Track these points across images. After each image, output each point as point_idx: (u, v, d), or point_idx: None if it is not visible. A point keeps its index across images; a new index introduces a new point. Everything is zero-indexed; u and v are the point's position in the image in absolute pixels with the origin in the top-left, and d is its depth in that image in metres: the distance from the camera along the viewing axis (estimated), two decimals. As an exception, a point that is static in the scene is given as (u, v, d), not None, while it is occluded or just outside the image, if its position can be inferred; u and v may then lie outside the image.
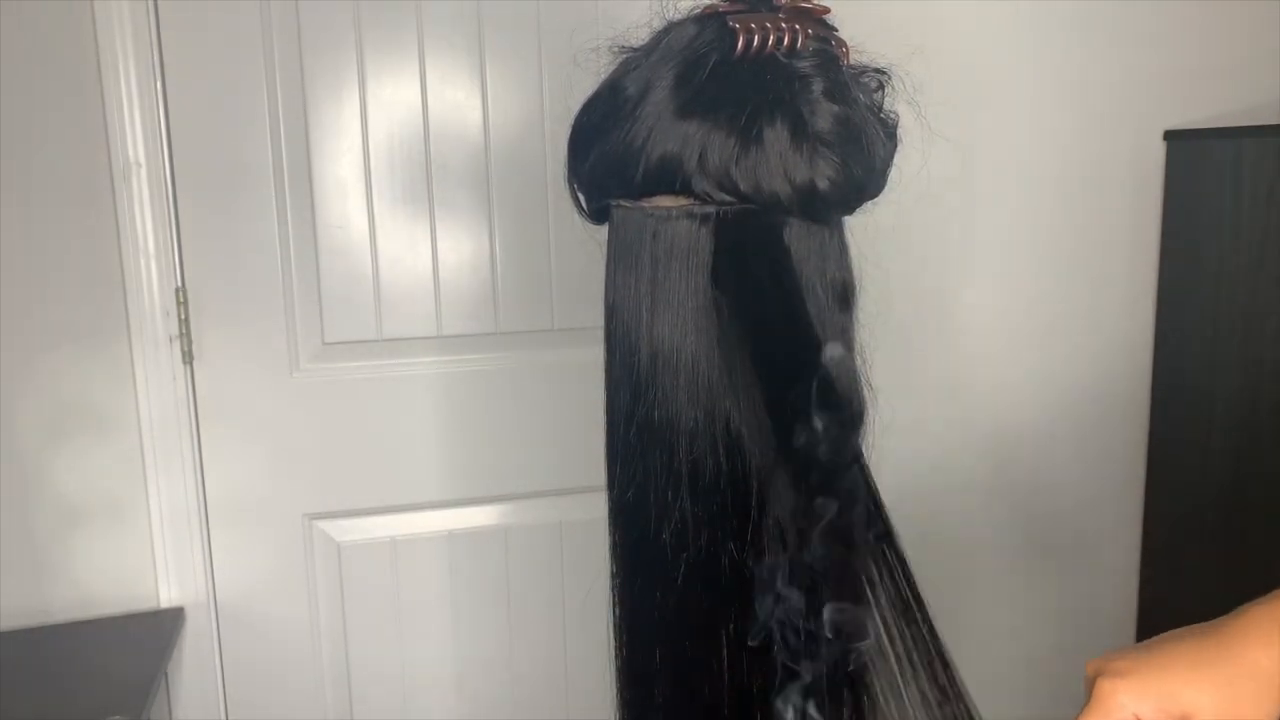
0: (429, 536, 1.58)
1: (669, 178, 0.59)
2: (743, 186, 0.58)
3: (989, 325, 1.74)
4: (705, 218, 0.60)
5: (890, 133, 0.63)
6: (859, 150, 0.60)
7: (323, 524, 1.53)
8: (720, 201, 0.59)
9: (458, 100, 1.49)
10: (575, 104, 0.66)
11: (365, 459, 1.53)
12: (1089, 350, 1.79)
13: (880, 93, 0.64)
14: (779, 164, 0.58)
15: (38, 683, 1.29)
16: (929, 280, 1.69)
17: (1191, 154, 1.71)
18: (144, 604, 1.45)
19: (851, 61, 0.63)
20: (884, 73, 0.65)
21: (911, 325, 1.67)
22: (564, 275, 1.55)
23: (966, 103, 1.64)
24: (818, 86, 0.59)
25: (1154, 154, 1.74)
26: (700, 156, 0.58)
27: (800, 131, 0.58)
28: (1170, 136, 1.74)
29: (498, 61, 1.49)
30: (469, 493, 1.57)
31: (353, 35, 1.44)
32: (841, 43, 0.62)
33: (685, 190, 0.59)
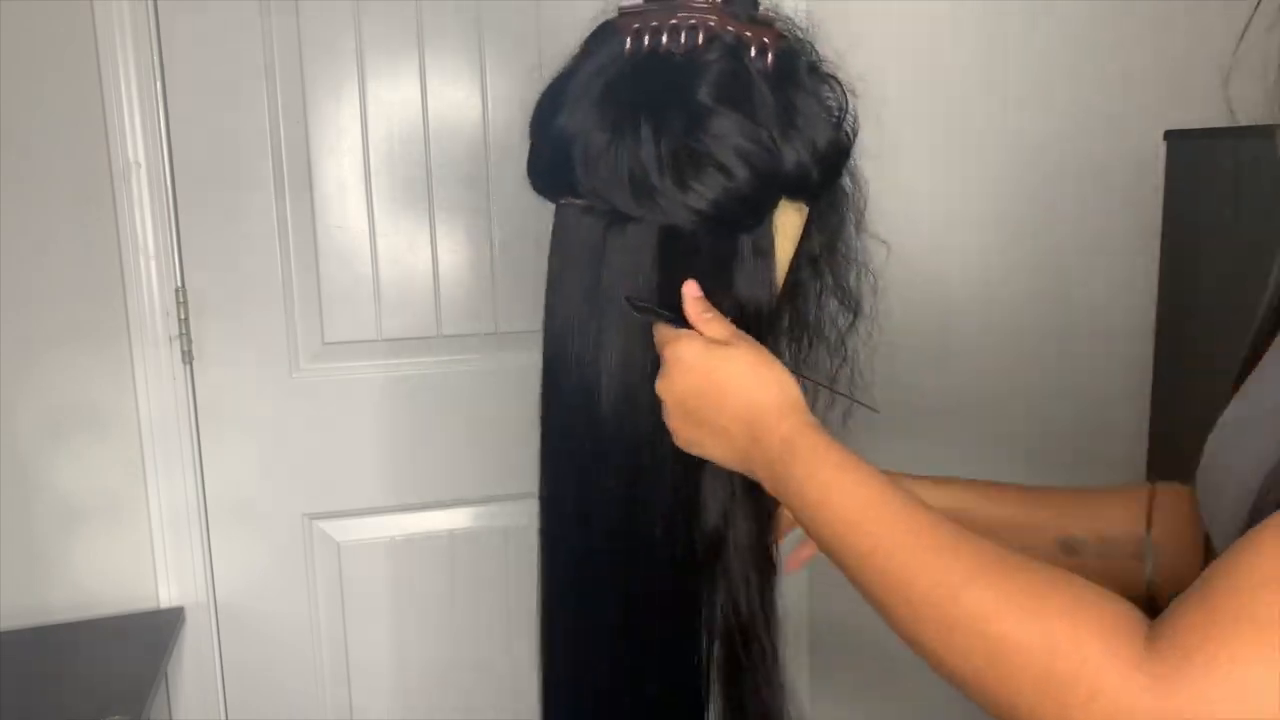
0: (429, 536, 1.58)
1: (561, 181, 0.62)
2: (618, 192, 0.59)
3: (988, 327, 1.74)
4: (599, 216, 0.61)
5: (822, 125, 0.61)
6: (760, 149, 0.58)
7: (323, 524, 1.53)
8: (600, 204, 0.61)
9: (458, 100, 1.49)
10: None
11: (365, 459, 1.53)
12: (1089, 351, 1.79)
13: (818, 93, 0.62)
14: (654, 167, 0.58)
15: (38, 683, 1.29)
16: (928, 282, 1.68)
17: (1191, 154, 1.71)
18: (144, 604, 1.45)
19: (779, 56, 0.60)
20: (830, 75, 0.63)
21: (908, 329, 1.67)
22: (564, 275, 1.55)
23: (966, 103, 1.63)
24: (707, 89, 0.58)
25: (1154, 154, 1.74)
26: (583, 161, 0.59)
27: (680, 134, 0.58)
28: (1170, 136, 1.73)
29: (498, 61, 1.49)
30: (469, 493, 1.57)
31: (353, 35, 1.44)
32: (763, 36, 0.59)
33: (575, 193, 0.62)
